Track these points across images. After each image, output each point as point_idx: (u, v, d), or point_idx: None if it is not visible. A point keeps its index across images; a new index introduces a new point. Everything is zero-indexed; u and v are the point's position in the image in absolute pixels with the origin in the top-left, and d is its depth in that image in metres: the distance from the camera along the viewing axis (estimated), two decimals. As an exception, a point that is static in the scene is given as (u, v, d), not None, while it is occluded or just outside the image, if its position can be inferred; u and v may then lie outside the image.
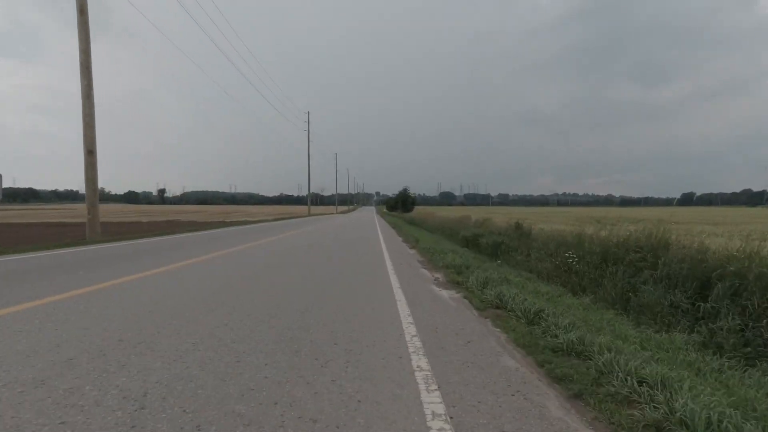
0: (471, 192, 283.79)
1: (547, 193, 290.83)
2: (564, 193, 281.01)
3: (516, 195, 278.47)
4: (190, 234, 16.22)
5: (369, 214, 63.22)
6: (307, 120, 54.01)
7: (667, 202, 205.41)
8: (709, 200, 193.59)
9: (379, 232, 18.93)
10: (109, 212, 56.47)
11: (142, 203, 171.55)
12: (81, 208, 79.03)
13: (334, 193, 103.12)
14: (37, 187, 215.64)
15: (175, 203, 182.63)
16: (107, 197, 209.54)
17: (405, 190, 71.68)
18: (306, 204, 58.32)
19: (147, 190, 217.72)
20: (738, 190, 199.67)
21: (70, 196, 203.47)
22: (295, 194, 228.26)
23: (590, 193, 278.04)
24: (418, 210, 56.92)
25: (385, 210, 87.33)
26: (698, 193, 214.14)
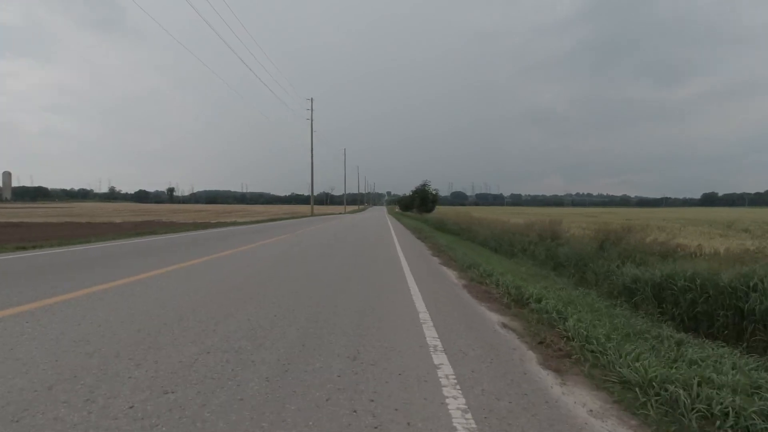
0: (483, 192, 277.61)
1: (559, 193, 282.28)
2: (577, 193, 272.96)
3: (528, 195, 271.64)
4: (99, 245, 11.15)
5: (380, 213, 58.49)
6: (310, 108, 49.46)
7: (686, 203, 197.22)
8: (732, 201, 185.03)
9: (399, 250, 10.94)
10: (97, 211, 52.46)
11: (152, 202, 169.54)
12: (78, 206, 76.22)
13: (344, 192, 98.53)
14: (54, 185, 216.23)
15: (184, 202, 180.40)
16: (117, 196, 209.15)
17: (424, 185, 54.65)
18: (315, 203, 53.53)
19: (160, 190, 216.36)
20: (762, 190, 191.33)
21: (80, 195, 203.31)
22: (306, 193, 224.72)
23: (604, 193, 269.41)
24: (442, 210, 46.39)
25: (397, 210, 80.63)
26: (720, 194, 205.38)
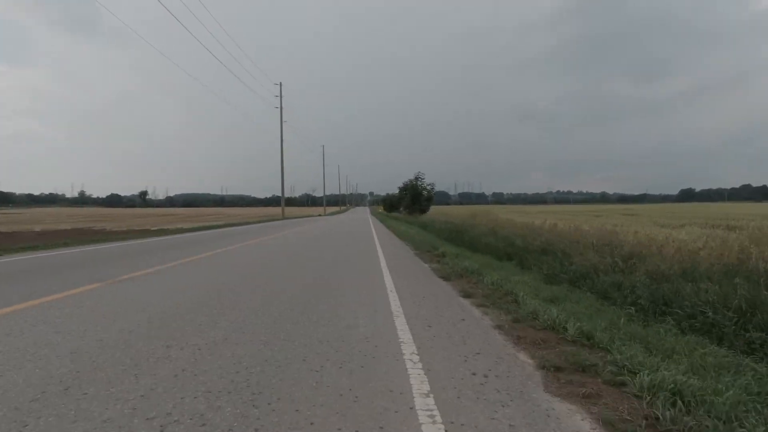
0: (466, 191, 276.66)
1: (541, 190, 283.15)
2: (558, 191, 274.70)
3: (510, 193, 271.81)
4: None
5: (362, 215, 54.79)
6: (279, 95, 45.59)
7: (664, 199, 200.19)
8: (709, 196, 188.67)
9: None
10: (46, 217, 47.02)
11: (126, 206, 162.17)
12: (32, 212, 70.26)
13: (326, 192, 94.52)
14: (25, 190, 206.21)
15: (159, 206, 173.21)
16: (87, 201, 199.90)
17: (416, 179, 44.17)
18: (296, 205, 49.69)
19: (135, 194, 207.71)
20: (737, 185, 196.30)
21: (48, 200, 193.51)
22: (286, 195, 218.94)
23: (584, 191, 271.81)
24: (440, 211, 38.35)
25: (381, 210, 74.68)
26: (697, 189, 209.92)
